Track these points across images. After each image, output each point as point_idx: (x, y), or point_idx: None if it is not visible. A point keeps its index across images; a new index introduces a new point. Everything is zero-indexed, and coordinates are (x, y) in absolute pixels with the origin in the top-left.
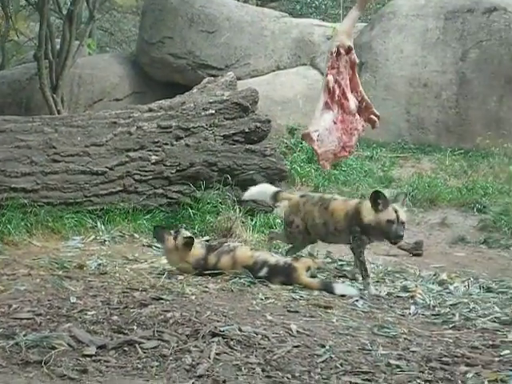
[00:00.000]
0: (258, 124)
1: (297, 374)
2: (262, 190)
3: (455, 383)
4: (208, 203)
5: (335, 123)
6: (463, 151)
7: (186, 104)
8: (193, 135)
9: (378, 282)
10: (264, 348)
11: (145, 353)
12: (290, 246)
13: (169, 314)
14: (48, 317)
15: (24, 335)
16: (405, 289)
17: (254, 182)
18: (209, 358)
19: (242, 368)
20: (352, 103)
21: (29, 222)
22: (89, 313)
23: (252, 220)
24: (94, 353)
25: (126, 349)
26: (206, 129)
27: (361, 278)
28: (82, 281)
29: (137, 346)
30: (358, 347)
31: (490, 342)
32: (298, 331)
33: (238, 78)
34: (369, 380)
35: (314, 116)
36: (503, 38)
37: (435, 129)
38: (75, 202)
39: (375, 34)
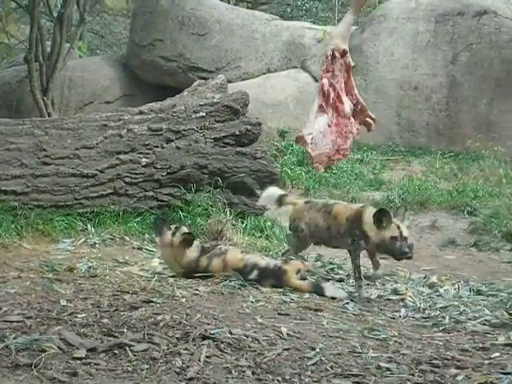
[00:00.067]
0: (249, 127)
1: (287, 377)
2: (269, 194)
3: None
4: (198, 206)
5: (330, 126)
6: (453, 154)
7: (177, 107)
8: (183, 138)
9: (368, 284)
10: (254, 351)
11: (135, 356)
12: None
13: (159, 317)
14: (38, 320)
15: (14, 338)
16: (395, 291)
17: (245, 185)
18: (199, 360)
19: (233, 371)
20: (347, 106)
21: (19, 224)
22: (79, 316)
23: (243, 223)
24: (84, 356)
25: (116, 352)
26: (197, 131)
27: (352, 280)
28: (72, 284)
29: (127, 348)
30: (348, 350)
31: (480, 345)
32: (288, 334)
33: (229, 81)
34: (359, 383)
35: (308, 119)
36: (493, 41)
37: (426, 132)
38: (65, 205)
39: (366, 36)
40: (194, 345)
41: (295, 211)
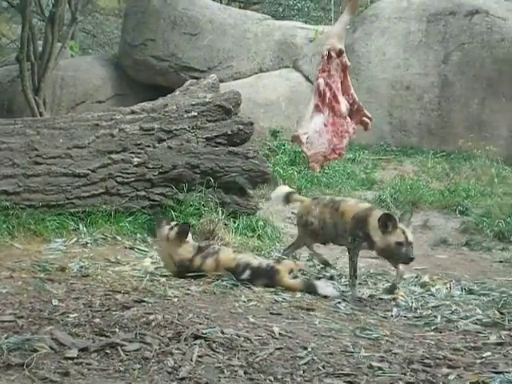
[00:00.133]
0: (241, 126)
1: (279, 377)
2: (278, 193)
3: None
4: (190, 205)
5: (326, 126)
6: (445, 153)
7: (169, 106)
8: (175, 137)
9: (360, 284)
10: (246, 350)
11: (127, 355)
12: (292, 244)
13: (151, 317)
14: (30, 319)
15: (6, 338)
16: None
17: (237, 185)
18: (191, 360)
19: (225, 370)
20: (343, 106)
21: (11, 224)
22: (71, 315)
23: (235, 222)
24: (75, 355)
25: (108, 351)
26: (189, 131)
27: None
28: (64, 283)
29: (119, 348)
30: (340, 349)
31: (472, 344)
32: (280, 333)
33: (221, 81)
34: (351, 382)
35: (304, 118)
36: (485, 41)
37: (417, 131)
38: (57, 205)
39: (358, 36)
40: (186, 344)
41: (303, 207)
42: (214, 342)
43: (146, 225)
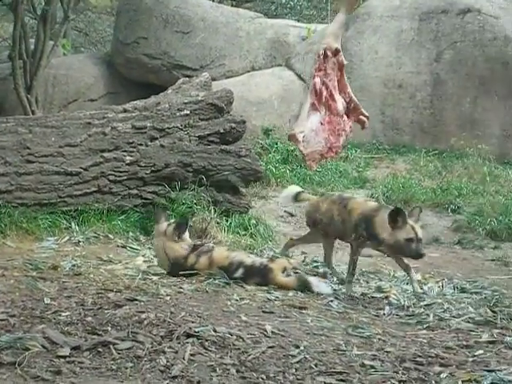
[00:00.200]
0: (233, 125)
1: (271, 375)
2: (287, 192)
3: (429, 383)
4: (183, 204)
5: (322, 124)
6: (438, 152)
7: (161, 105)
8: (168, 136)
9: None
10: (239, 349)
11: (119, 354)
12: (324, 254)
13: (143, 315)
14: (22, 318)
15: None
16: (379, 289)
17: (229, 183)
18: (183, 358)
19: (217, 369)
20: (340, 104)
21: (3, 222)
22: (63, 314)
23: (227, 221)
24: (67, 354)
25: (100, 350)
26: (181, 129)
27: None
28: (56, 282)
29: (111, 347)
30: (332, 348)
31: (464, 343)
32: (272, 332)
33: (213, 79)
34: (343, 380)
35: (300, 117)
36: (477, 40)
37: (410, 129)
38: (49, 203)
39: (350, 34)
40: (179, 343)
41: (311, 206)
42: (207, 340)
43: (139, 223)
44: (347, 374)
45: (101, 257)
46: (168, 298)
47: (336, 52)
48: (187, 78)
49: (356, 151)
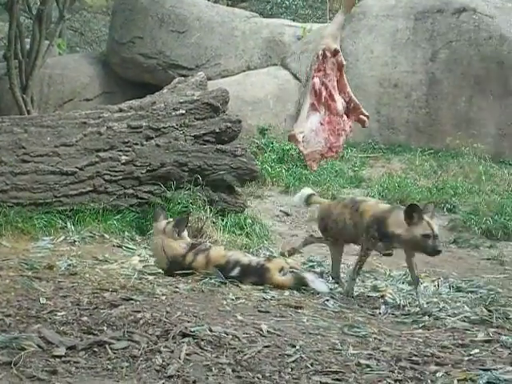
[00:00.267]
0: (229, 124)
1: (267, 374)
2: (300, 195)
3: (425, 382)
4: (178, 203)
5: (322, 124)
6: (433, 151)
7: (157, 104)
8: (163, 135)
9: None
10: (234, 348)
11: (115, 353)
12: (332, 264)
13: (139, 315)
14: (17, 318)
15: None
16: (375, 288)
17: (225, 182)
18: (179, 358)
19: (213, 368)
20: (339, 104)
21: None
22: (58, 314)
23: (223, 220)
24: (63, 354)
25: (95, 349)
26: (177, 129)
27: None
28: (51, 282)
29: (107, 346)
30: (328, 347)
31: (460, 342)
32: (268, 331)
33: (209, 78)
34: (339, 380)
35: (300, 118)
36: (472, 39)
37: (405, 129)
38: (45, 203)
39: (345, 34)
40: (174, 342)
41: (322, 210)
42: (202, 339)
43: (134, 223)
44: (343, 374)
45: (96, 256)
46: (164, 297)
47: (335, 52)
48: (183, 78)
49: (352, 150)
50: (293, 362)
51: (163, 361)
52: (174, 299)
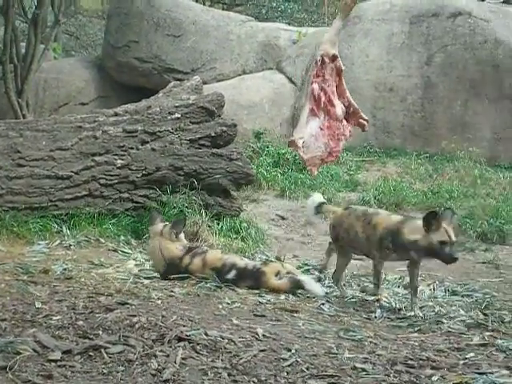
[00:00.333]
0: (224, 128)
1: (263, 378)
2: (310, 203)
3: None
4: (174, 207)
5: (322, 129)
6: (429, 155)
7: (152, 108)
8: (159, 139)
9: (343, 285)
10: (230, 352)
11: (110, 358)
12: (335, 269)
13: (135, 319)
14: (13, 322)
15: None
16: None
17: (220, 186)
18: (175, 362)
19: (208, 372)
20: (339, 109)
21: None
22: (54, 318)
23: (218, 224)
24: (59, 358)
25: (91, 354)
26: (172, 133)
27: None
28: (47, 286)
29: (102, 350)
30: (324, 351)
31: (455, 345)
32: (264, 335)
33: (204, 82)
34: (335, 383)
35: (299, 123)
36: (468, 43)
37: (401, 133)
38: (40, 207)
39: (341, 38)
40: (170, 346)
41: (335, 219)
42: (198, 344)
43: (130, 227)
44: (339, 377)
45: (92, 260)
46: (159, 301)
47: (333, 58)
48: (178, 82)
49: (347, 154)
50: (288, 365)
51: (159, 365)
52: (170, 303)
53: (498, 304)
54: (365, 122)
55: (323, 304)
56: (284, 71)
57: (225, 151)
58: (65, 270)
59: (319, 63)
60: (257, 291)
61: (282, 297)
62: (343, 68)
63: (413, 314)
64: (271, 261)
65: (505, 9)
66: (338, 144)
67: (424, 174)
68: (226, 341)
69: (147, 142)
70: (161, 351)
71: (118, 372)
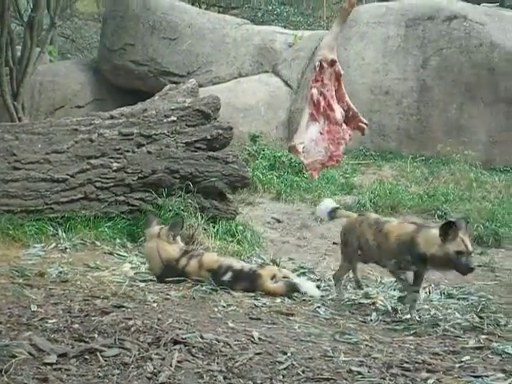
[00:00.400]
0: (220, 131)
1: (258, 382)
2: (323, 208)
3: None
4: (170, 210)
5: (322, 134)
6: (424, 158)
7: (148, 111)
8: (154, 142)
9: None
10: (226, 355)
11: (106, 361)
12: (338, 270)
13: (130, 322)
14: (8, 325)
15: None
16: (366, 295)
17: (216, 189)
18: (170, 365)
19: (204, 376)
20: (338, 113)
21: None
22: (49, 321)
23: (214, 227)
24: (54, 361)
25: (87, 357)
26: (168, 136)
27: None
28: (42, 289)
29: (98, 354)
30: (319, 354)
31: (451, 348)
32: (259, 338)
33: (200, 85)
34: None
35: (300, 128)
36: (463, 46)
37: (396, 136)
38: (36, 210)
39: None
40: (166, 349)
41: (348, 224)
42: (194, 347)
43: (126, 230)
44: (334, 381)
45: (88, 264)
46: (155, 304)
47: (332, 63)
48: (174, 85)
49: (343, 157)
50: (284, 369)
51: (154, 368)
52: (166, 306)
53: (494, 307)
54: (364, 126)
55: (319, 307)
56: (280, 74)
57: (221, 154)
58: (60, 273)
59: (318, 68)
60: (252, 294)
61: (278, 300)
62: (342, 72)
63: (409, 316)
64: (267, 264)
65: (500, 12)
66: (338, 148)
67: (420, 177)
68: (222, 344)
69: (143, 145)
70: (156, 354)
71: (113, 375)
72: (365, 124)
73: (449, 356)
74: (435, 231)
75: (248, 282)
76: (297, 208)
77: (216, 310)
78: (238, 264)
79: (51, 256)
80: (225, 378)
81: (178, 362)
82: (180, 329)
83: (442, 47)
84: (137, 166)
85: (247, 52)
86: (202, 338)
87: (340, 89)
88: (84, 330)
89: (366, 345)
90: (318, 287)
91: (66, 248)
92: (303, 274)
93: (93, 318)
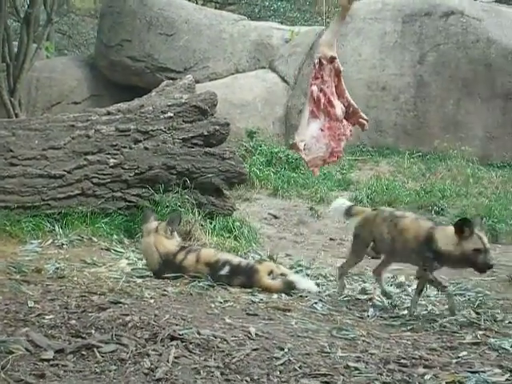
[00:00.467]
0: (217, 127)
1: (255, 377)
2: (336, 207)
3: None
4: (167, 206)
5: (322, 130)
6: (421, 154)
7: (145, 107)
8: (151, 138)
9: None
10: (223, 351)
11: (103, 357)
12: (344, 263)
13: (127, 318)
14: (5, 321)
15: None
16: (363, 291)
17: (213, 185)
18: (167, 361)
19: (201, 371)
20: (339, 110)
21: None
22: (46, 317)
23: (211, 223)
24: (51, 357)
25: (83, 353)
26: (165, 132)
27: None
28: (39, 285)
29: (95, 350)
30: (316, 350)
31: (448, 344)
32: (256, 334)
33: (197, 81)
34: (327, 382)
35: (300, 126)
36: (460, 42)
37: (393, 132)
38: (33, 206)
39: None
40: (163, 345)
41: (364, 219)
42: (191, 342)
43: (123, 226)
44: (331, 376)
45: (84, 260)
46: (152, 300)
47: (331, 59)
48: (171, 81)
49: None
50: (281, 364)
51: (151, 364)
52: (163, 302)
53: (491, 303)
54: (365, 122)
55: (316, 303)
56: (277, 70)
57: (217, 150)
58: (57, 269)
59: (317, 65)
60: (249, 290)
61: (275, 296)
62: (342, 69)
63: (406, 312)
64: (265, 260)
65: (497, 8)
66: (339, 144)
67: (417, 172)
68: (219, 340)
69: (140, 141)
70: (153, 350)
71: (110, 371)
72: (365, 120)
73: (446, 352)
74: (452, 229)
75: (245, 276)
76: (294, 204)
77: (213, 305)
78: (235, 259)
79: (48, 252)
80: (222, 373)
81: (175, 357)
82: (177, 325)
83: (438, 43)
84: (134, 162)
85: (244, 48)
86: (199, 333)
87: (340, 85)
88: (81, 325)
89: (363, 340)
90: (318, 285)
91: (63, 244)
92: (300, 270)
93: (90, 314)
